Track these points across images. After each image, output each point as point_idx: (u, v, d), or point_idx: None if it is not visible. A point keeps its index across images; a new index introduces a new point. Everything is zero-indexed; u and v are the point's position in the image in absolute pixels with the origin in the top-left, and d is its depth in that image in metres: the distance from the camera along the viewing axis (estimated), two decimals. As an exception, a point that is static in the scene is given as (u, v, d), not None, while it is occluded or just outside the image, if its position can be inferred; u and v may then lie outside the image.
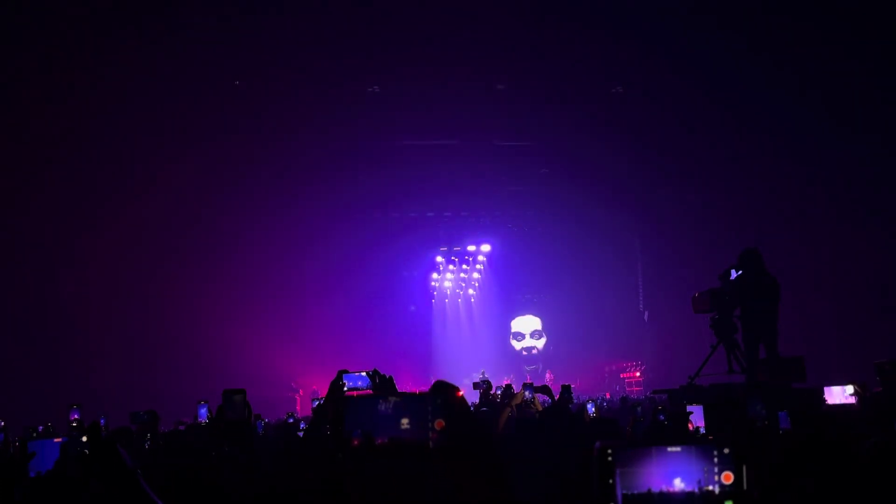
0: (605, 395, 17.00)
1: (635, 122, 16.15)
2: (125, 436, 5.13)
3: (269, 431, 8.22)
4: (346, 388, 4.46)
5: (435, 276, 25.34)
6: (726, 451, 1.45)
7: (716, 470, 1.45)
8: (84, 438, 3.34)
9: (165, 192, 16.60)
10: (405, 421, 1.11)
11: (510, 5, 13.12)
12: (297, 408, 18.94)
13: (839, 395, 5.66)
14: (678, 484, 1.44)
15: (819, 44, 12.66)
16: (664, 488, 1.43)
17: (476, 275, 25.67)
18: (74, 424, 7.75)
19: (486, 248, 24.04)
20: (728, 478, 1.44)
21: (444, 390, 1.16)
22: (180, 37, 12.96)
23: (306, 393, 19.88)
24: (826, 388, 5.80)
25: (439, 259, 24.65)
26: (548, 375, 22.49)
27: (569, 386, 6.09)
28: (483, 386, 7.07)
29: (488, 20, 13.46)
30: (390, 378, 3.07)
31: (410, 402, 1.12)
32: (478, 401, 7.82)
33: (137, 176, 16.07)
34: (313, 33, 13.63)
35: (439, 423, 1.11)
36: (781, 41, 13.15)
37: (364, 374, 3.34)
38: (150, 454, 5.27)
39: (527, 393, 5.54)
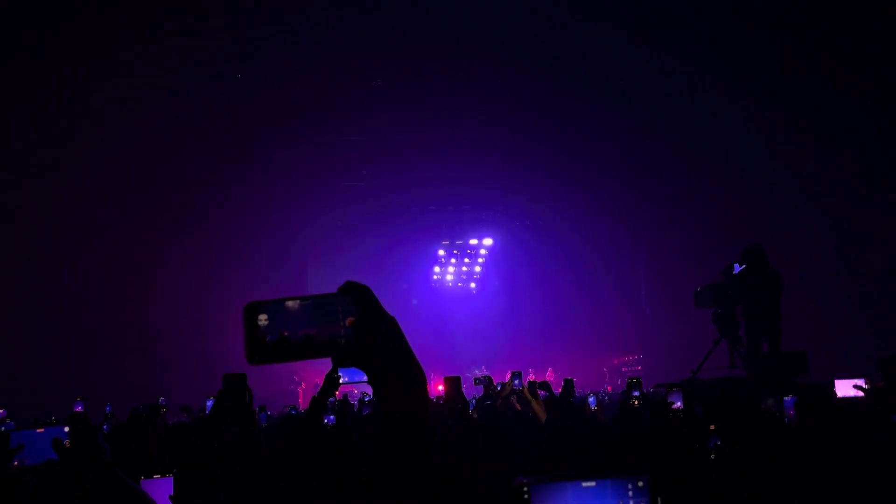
0: (606, 388, 17.05)
1: (639, 117, 16.13)
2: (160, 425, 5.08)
3: (273, 422, 8.26)
4: (341, 381, 4.47)
5: (437, 269, 25.35)
6: (640, 483, 1.45)
7: (631, 503, 1.45)
8: (66, 429, 3.35)
9: (169, 185, 16.63)
10: (317, 320, 1.11)
11: (509, 6, 13.10)
12: (300, 400, 18.99)
13: (848, 388, 5.69)
14: None
15: (818, 41, 12.63)
16: None
17: (478, 268, 25.67)
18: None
19: (488, 241, 24.03)
20: None
21: (354, 289, 1.15)
22: (171, 29, 12.93)
23: (308, 386, 19.94)
24: (836, 382, 5.83)
25: (441, 253, 24.65)
26: (549, 373, 22.51)
27: (571, 380, 6.10)
28: (484, 381, 7.10)
29: (487, 20, 13.45)
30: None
31: (320, 303, 1.12)
32: (481, 394, 7.85)
33: (141, 168, 16.07)
34: (312, 24, 13.60)
35: (349, 320, 1.12)
36: (781, 38, 13.13)
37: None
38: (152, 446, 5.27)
39: (516, 382, 5.55)
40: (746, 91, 14.49)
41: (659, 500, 1.43)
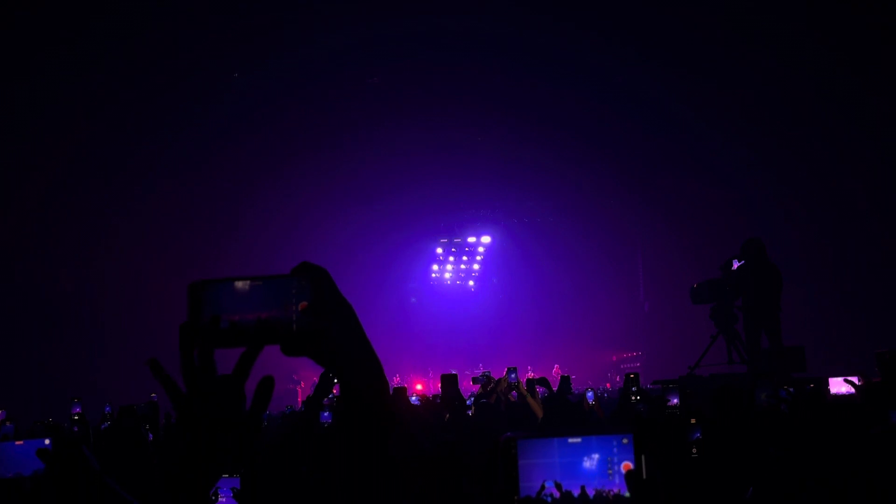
0: (605, 385, 17.06)
1: (636, 114, 16.13)
2: (131, 415, 5.10)
3: (273, 421, 8.25)
4: (336, 381, 4.44)
5: (435, 267, 25.33)
6: (625, 440, 1.47)
7: (616, 459, 1.47)
8: (47, 441, 3.25)
9: (170, 187, 16.61)
10: (267, 303, 1.02)
11: (504, 5, 13.10)
12: (299, 399, 18.99)
13: (841, 386, 5.69)
14: (579, 474, 1.45)
15: (815, 38, 12.64)
16: (564, 481, 1.44)
17: (476, 266, 25.66)
18: (76, 418, 7.77)
19: (486, 239, 24.01)
20: (627, 467, 1.45)
21: (309, 271, 1.05)
22: (172, 28, 12.92)
23: (307, 385, 19.93)
24: (830, 380, 5.83)
25: (439, 251, 24.63)
26: (555, 369, 22.49)
27: (567, 377, 6.11)
28: (483, 379, 7.11)
29: (486, 22, 13.45)
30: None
31: (271, 284, 1.03)
32: (478, 391, 7.84)
33: (137, 171, 16.05)
34: (310, 20, 13.59)
35: (302, 305, 1.02)
36: (777, 36, 13.13)
37: None
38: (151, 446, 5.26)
39: (511, 376, 5.55)
40: (743, 87, 14.49)
41: (643, 457, 1.45)
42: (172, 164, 16.10)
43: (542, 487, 1.44)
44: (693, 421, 3.42)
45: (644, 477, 1.43)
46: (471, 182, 20.11)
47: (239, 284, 1.04)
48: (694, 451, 3.21)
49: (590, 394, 6.56)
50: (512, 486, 1.42)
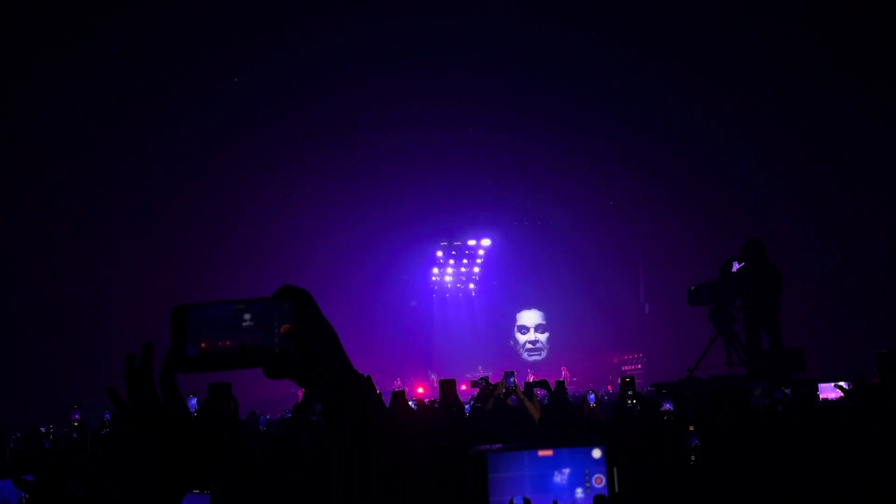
0: (607, 388, 17.02)
1: (635, 117, 16.14)
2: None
3: (272, 429, 8.24)
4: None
5: (435, 270, 25.32)
6: (597, 453, 1.45)
7: (587, 473, 1.45)
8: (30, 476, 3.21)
9: (168, 191, 16.62)
10: (249, 327, 1.02)
11: (504, 5, 13.12)
12: (300, 404, 18.94)
13: (831, 392, 5.75)
14: (550, 488, 1.43)
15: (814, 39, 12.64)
16: (534, 495, 1.42)
17: (476, 269, 25.65)
18: (76, 424, 7.76)
19: (486, 242, 24.00)
20: (599, 481, 1.44)
21: (292, 294, 1.05)
22: (173, 33, 12.95)
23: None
24: (821, 385, 5.88)
25: (439, 254, 24.62)
26: (563, 371, 22.43)
27: (562, 381, 6.15)
28: (482, 383, 7.09)
29: (484, 23, 13.46)
30: (368, 377, 3.02)
31: (254, 307, 1.03)
32: (476, 396, 7.82)
33: (138, 172, 16.06)
34: (310, 21, 13.61)
35: (285, 328, 1.02)
36: (777, 38, 13.14)
37: None
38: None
39: (510, 380, 5.55)
40: (743, 91, 14.49)
41: (615, 469, 1.44)
42: (173, 165, 16.12)
43: (511, 503, 1.42)
44: (691, 428, 3.41)
45: (616, 490, 1.42)
46: (470, 185, 20.12)
47: (221, 308, 1.04)
48: (692, 458, 3.20)
49: (591, 396, 6.58)
50: (482, 501, 1.40)
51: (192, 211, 17.57)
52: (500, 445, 1.44)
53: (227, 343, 1.02)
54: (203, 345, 1.02)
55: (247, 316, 1.03)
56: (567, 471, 1.43)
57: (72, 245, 15.77)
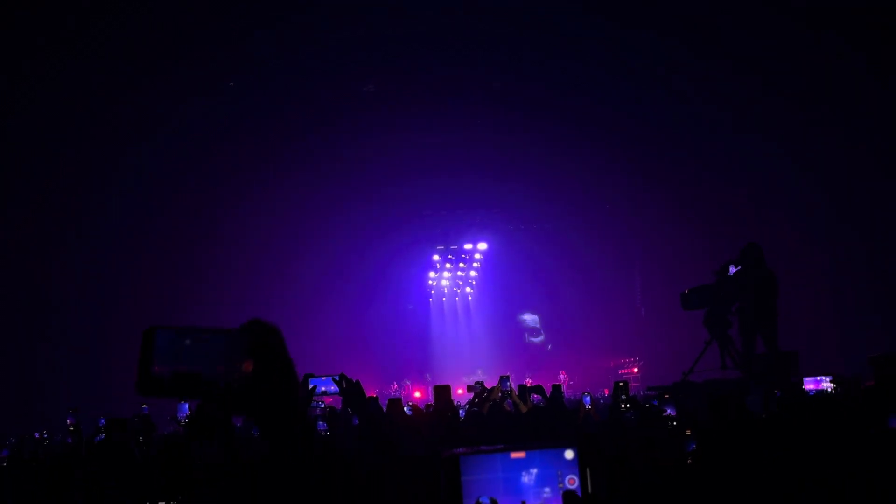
0: (603, 391, 16.99)
1: (633, 120, 16.18)
2: (122, 429, 5.06)
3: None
4: (317, 392, 4.39)
5: (432, 274, 25.33)
6: (569, 455, 1.45)
7: (559, 474, 1.46)
8: None
9: (167, 195, 16.61)
10: (212, 357, 1.03)
11: (500, 7, 13.15)
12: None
13: (810, 384, 5.85)
14: (520, 489, 1.43)
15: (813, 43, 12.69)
16: (503, 496, 1.42)
17: (473, 273, 25.66)
18: (72, 429, 7.74)
19: (482, 246, 24.02)
20: (572, 482, 1.45)
21: (258, 331, 1.06)
22: (172, 28, 12.95)
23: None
24: (805, 379, 5.95)
25: (436, 258, 24.63)
26: (561, 375, 22.42)
27: (559, 385, 6.18)
28: (477, 388, 7.11)
29: (480, 24, 13.49)
30: (357, 382, 3.03)
31: (221, 339, 1.03)
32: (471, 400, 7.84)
33: (138, 172, 16.05)
34: (310, 21, 13.61)
35: (247, 365, 1.03)
36: (777, 40, 13.19)
37: (331, 378, 3.26)
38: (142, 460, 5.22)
39: (505, 384, 5.57)
40: (743, 94, 14.54)
41: (588, 470, 1.45)
42: (173, 165, 16.11)
43: (477, 503, 1.42)
44: (688, 432, 3.42)
45: (589, 490, 1.42)
46: (467, 189, 20.14)
47: (191, 335, 1.04)
48: (689, 461, 3.21)
49: (587, 398, 6.61)
50: (455, 503, 1.40)
51: (189, 214, 17.55)
52: (468, 448, 1.44)
53: (191, 370, 1.02)
54: (164, 368, 1.02)
55: (212, 346, 1.03)
56: (535, 471, 1.44)
57: (65, 251, 15.75)
